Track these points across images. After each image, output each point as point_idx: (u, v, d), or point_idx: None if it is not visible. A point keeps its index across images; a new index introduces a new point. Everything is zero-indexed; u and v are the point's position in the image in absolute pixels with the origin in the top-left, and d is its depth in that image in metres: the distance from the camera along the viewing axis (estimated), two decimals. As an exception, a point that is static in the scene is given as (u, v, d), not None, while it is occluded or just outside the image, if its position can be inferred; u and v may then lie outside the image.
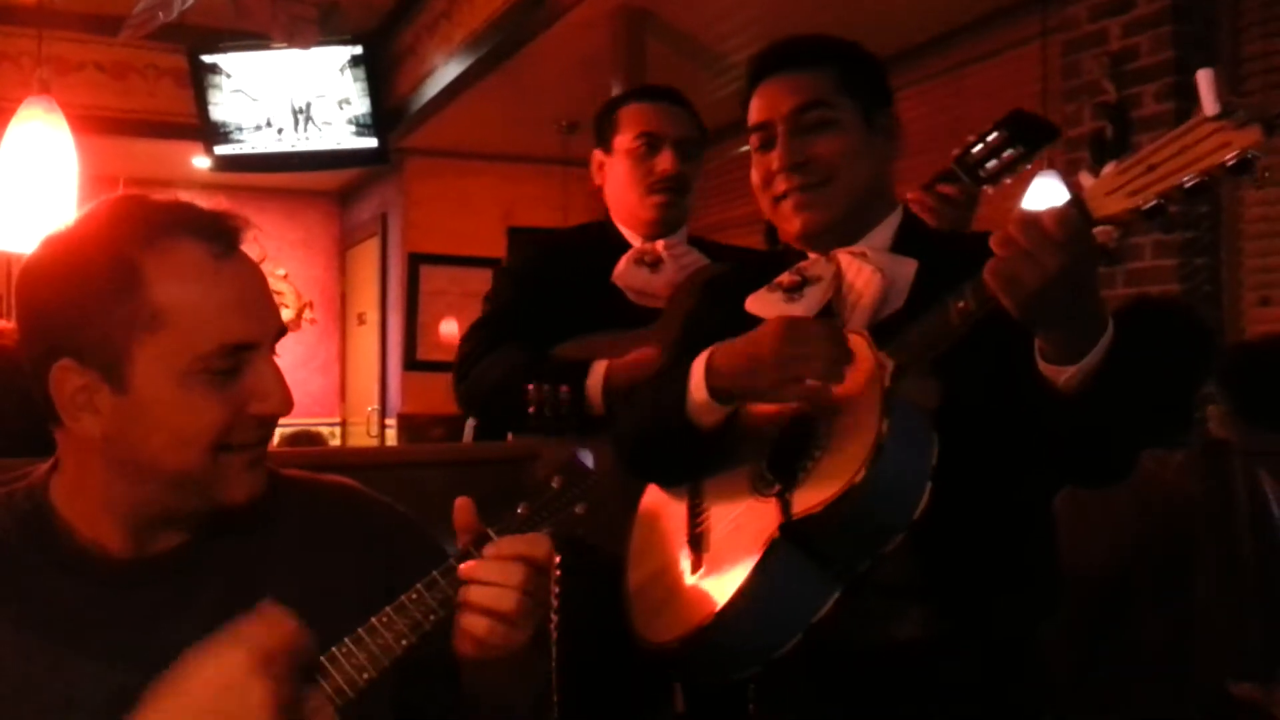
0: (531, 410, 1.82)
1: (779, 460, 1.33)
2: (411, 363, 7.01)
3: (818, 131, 1.43)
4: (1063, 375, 1.18)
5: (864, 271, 1.42)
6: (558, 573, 1.09)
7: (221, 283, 0.99)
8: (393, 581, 1.06)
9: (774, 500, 1.28)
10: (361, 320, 7.92)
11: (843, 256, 1.45)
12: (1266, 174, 1.07)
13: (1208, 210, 3.47)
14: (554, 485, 1.04)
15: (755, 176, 1.50)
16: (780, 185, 1.45)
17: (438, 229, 7.02)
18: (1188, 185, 1.07)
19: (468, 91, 5.67)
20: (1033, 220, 1.11)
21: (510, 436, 2.33)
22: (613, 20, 4.48)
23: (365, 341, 7.80)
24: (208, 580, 1.04)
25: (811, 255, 1.49)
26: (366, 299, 7.77)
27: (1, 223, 2.64)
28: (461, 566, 0.99)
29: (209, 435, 0.98)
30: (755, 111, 1.48)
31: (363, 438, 7.49)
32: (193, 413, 0.97)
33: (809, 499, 1.23)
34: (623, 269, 2.01)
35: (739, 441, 1.40)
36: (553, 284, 2.03)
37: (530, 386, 1.82)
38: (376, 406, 7.42)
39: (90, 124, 3.43)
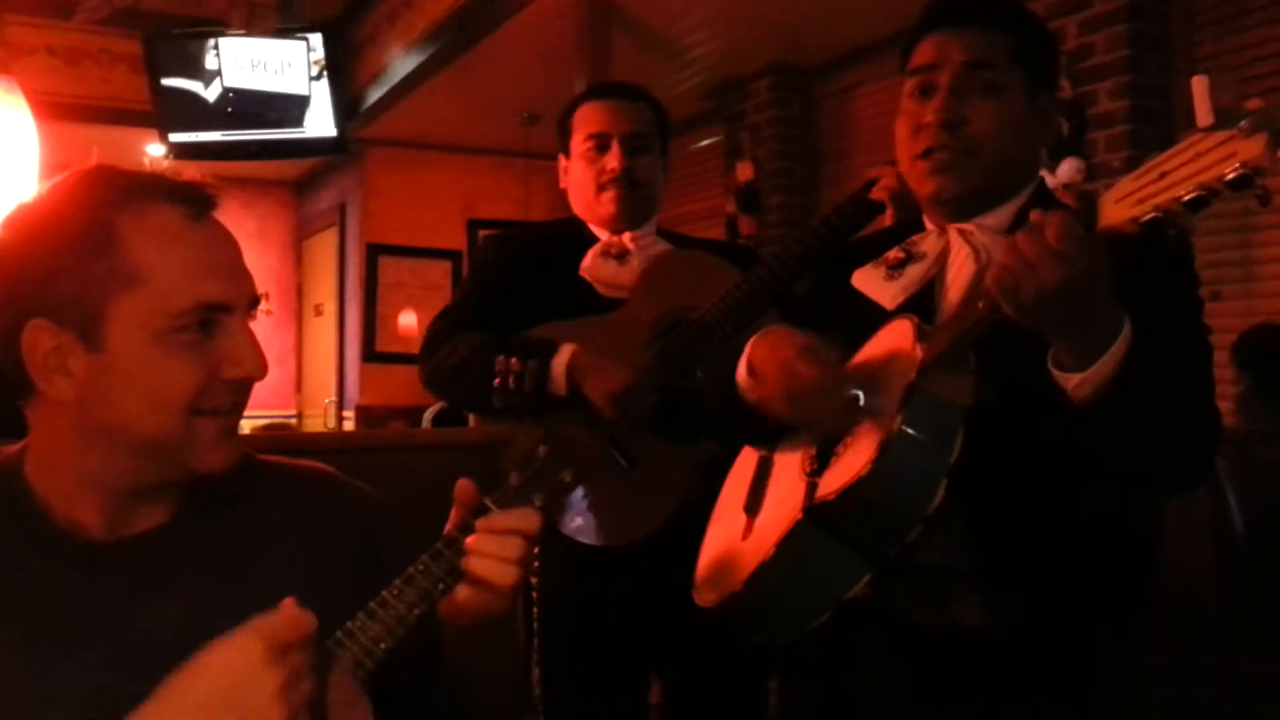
0: (496, 383, 1.81)
1: (828, 439, 1.35)
2: (370, 354, 6.98)
3: (982, 95, 1.37)
4: (1071, 382, 1.15)
5: (962, 253, 1.38)
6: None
7: (197, 244, 1.00)
8: (370, 564, 1.06)
9: (806, 481, 1.30)
10: (319, 311, 7.85)
11: (953, 233, 1.41)
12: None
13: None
14: (540, 453, 1.06)
15: (902, 128, 1.43)
16: (926, 141, 1.39)
17: (397, 220, 6.99)
18: (1185, 199, 0.99)
19: (428, 82, 5.65)
20: (1036, 228, 1.08)
21: (471, 420, 2.31)
22: (576, 12, 4.48)
23: (322, 333, 7.74)
24: (186, 565, 1.03)
25: (928, 225, 1.46)
26: (324, 290, 7.70)
27: (-43, 206, 2.60)
28: (468, 540, 1.02)
29: (183, 397, 0.98)
30: (922, 54, 1.42)
31: (320, 430, 7.44)
32: (167, 374, 0.97)
33: (828, 485, 1.25)
34: (590, 262, 2.03)
35: None
36: (520, 275, 2.05)
37: (499, 359, 1.82)
38: (334, 399, 7.37)
39: (43, 109, 3.37)
